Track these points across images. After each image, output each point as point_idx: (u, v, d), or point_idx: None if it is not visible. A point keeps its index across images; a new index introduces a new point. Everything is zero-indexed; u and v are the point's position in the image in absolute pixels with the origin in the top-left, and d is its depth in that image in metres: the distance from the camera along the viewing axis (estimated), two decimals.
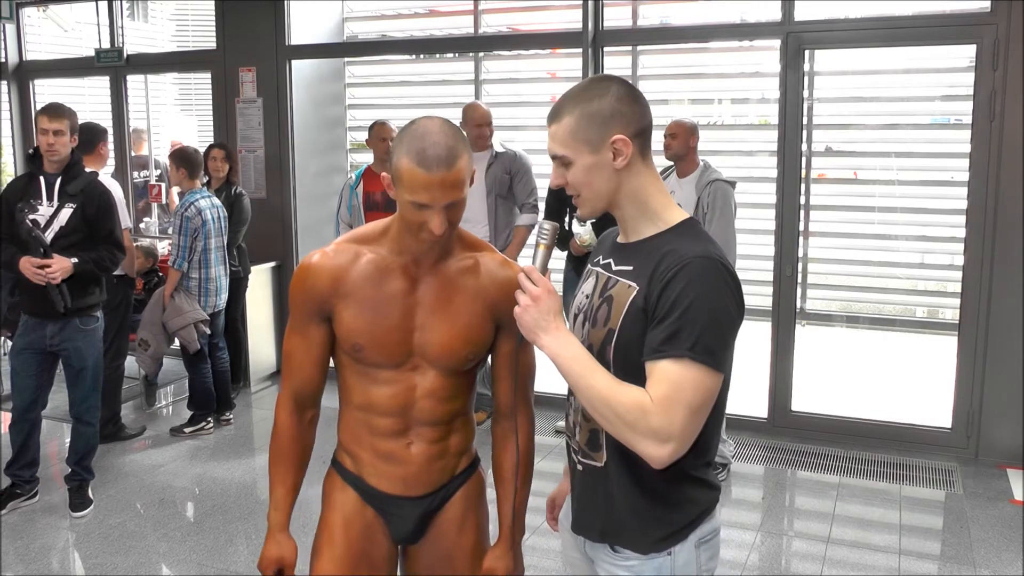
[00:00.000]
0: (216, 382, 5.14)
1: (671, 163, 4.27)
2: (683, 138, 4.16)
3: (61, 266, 3.68)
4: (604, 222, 3.64)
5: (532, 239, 5.07)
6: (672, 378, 1.46)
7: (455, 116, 4.89)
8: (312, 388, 1.85)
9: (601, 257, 1.71)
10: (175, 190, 6.95)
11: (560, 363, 1.54)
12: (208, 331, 4.96)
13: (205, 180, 5.19)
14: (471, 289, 1.75)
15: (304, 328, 1.80)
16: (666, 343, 1.47)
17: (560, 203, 4.59)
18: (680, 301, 1.46)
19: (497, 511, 1.93)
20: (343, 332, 1.76)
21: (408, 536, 1.89)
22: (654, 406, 1.45)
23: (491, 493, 1.97)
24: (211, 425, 5.08)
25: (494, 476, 1.95)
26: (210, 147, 5.40)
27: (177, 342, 5.00)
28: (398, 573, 1.97)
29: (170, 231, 5.20)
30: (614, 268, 1.64)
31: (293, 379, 1.84)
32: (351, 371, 1.81)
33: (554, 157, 1.62)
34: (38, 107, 6.46)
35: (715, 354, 1.47)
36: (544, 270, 1.62)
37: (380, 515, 1.87)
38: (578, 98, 1.59)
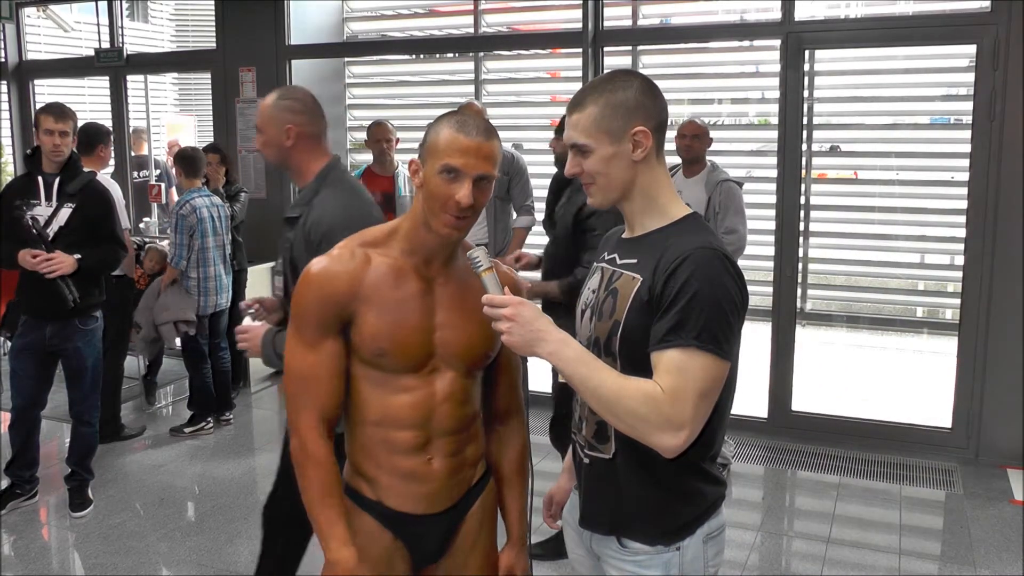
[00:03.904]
0: (216, 382, 5.14)
1: (677, 162, 4.28)
2: (704, 140, 4.21)
3: (64, 260, 3.68)
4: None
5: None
6: (680, 367, 1.47)
7: None
8: (339, 406, 1.74)
9: (606, 253, 1.73)
10: (174, 190, 6.97)
11: (562, 366, 1.54)
12: (191, 331, 4.95)
13: (204, 180, 5.20)
14: (481, 288, 1.71)
15: (319, 343, 1.69)
16: (672, 333, 1.48)
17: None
18: (684, 291, 1.48)
19: (503, 511, 1.93)
20: (365, 337, 1.70)
21: (431, 556, 1.85)
22: (665, 396, 1.47)
23: None
24: (211, 425, 5.08)
25: (496, 477, 1.94)
26: (203, 150, 5.40)
27: (178, 341, 5.02)
28: None
29: (168, 231, 5.21)
30: (619, 262, 1.66)
31: (319, 401, 1.70)
32: (367, 383, 1.74)
33: (573, 145, 1.62)
34: (38, 107, 6.47)
35: (720, 342, 1.49)
36: (500, 291, 1.61)
37: (400, 538, 1.80)
38: (602, 89, 1.61)
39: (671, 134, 4.16)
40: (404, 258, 1.72)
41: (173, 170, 5.13)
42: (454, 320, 1.74)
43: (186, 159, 4.93)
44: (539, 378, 5.11)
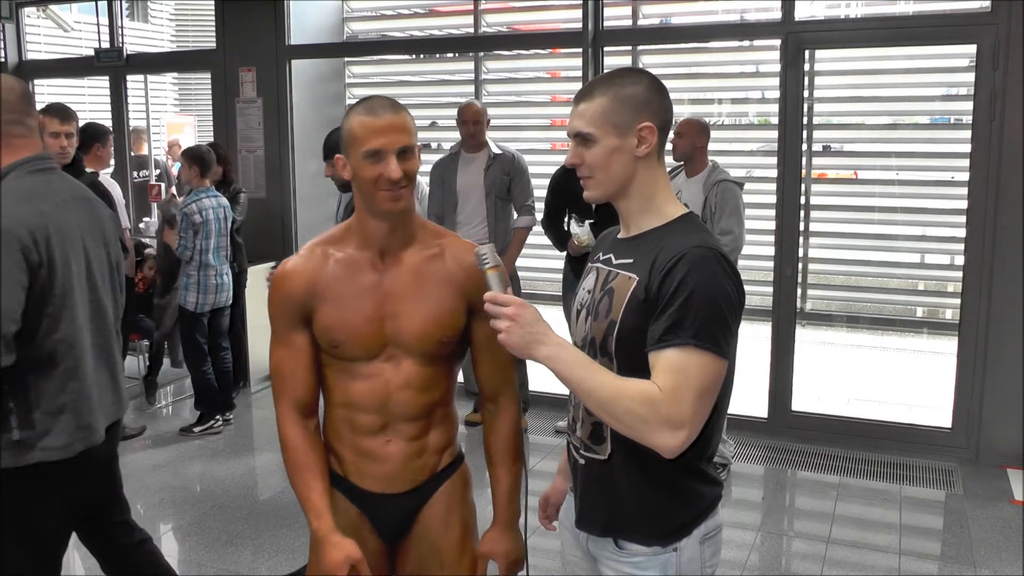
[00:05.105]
0: (218, 382, 5.14)
1: (680, 163, 4.27)
2: (689, 138, 4.14)
3: None
4: (602, 223, 3.65)
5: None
6: (678, 366, 1.47)
7: (454, 116, 4.88)
8: (310, 394, 1.87)
9: (601, 254, 1.73)
10: (174, 189, 6.95)
11: (559, 369, 1.54)
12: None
13: None
14: (439, 275, 1.82)
15: (288, 337, 1.84)
16: (669, 332, 1.48)
17: (559, 203, 4.58)
18: (681, 290, 1.48)
19: (492, 494, 1.95)
20: (320, 330, 1.82)
21: (395, 533, 1.93)
22: (663, 395, 1.46)
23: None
24: (220, 423, 5.07)
25: (486, 459, 1.96)
26: None
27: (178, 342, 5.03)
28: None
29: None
30: (615, 262, 1.65)
31: (288, 390, 1.86)
32: (331, 369, 1.86)
33: (576, 135, 1.61)
34: (38, 107, 6.47)
35: (718, 341, 1.48)
36: (504, 289, 1.61)
37: (364, 513, 1.90)
38: (612, 81, 1.61)
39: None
40: (359, 252, 1.83)
41: (176, 169, 5.12)
42: (406, 309, 1.81)
43: (200, 158, 4.93)
44: (539, 378, 5.12)
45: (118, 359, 2.46)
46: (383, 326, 1.81)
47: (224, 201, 5.03)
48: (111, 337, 2.41)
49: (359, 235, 1.82)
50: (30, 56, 7.09)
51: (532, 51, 5.83)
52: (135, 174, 6.94)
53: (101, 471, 2.45)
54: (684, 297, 1.48)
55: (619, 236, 1.70)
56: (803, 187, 4.88)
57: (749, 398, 4.80)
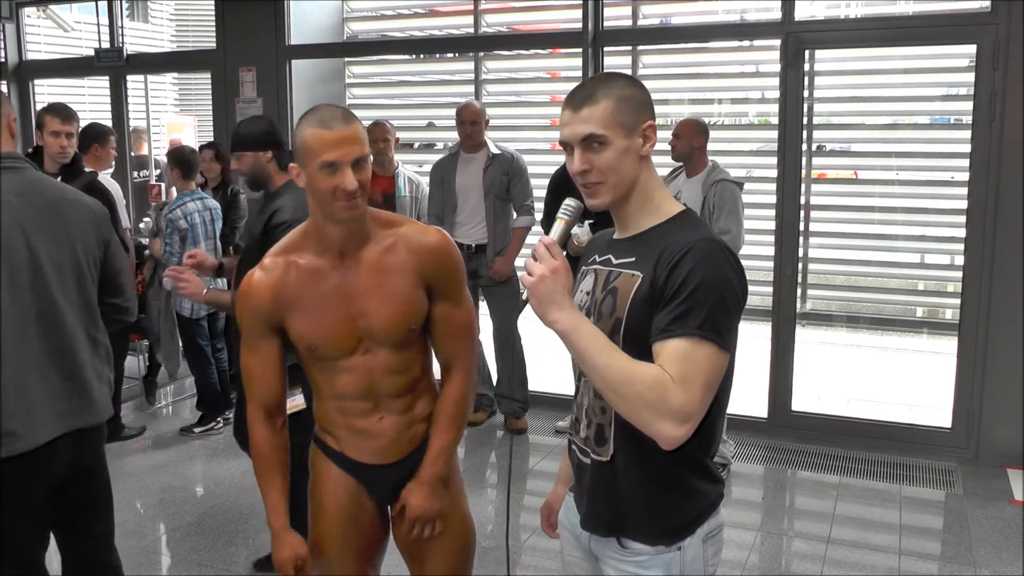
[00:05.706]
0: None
1: (680, 164, 4.27)
2: (687, 138, 4.14)
3: None
4: (601, 223, 3.66)
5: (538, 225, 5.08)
6: (685, 356, 1.47)
7: (454, 116, 4.89)
8: (277, 396, 2.00)
9: (597, 256, 1.72)
10: (173, 190, 6.97)
11: (575, 340, 1.49)
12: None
13: (202, 181, 5.19)
14: (396, 265, 1.88)
15: (257, 345, 1.95)
16: (675, 323, 1.48)
17: (559, 203, 4.57)
18: (688, 282, 1.49)
19: (426, 451, 2.03)
20: (296, 337, 1.92)
21: (390, 499, 2.06)
22: (673, 384, 1.45)
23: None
24: (221, 425, 5.07)
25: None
26: (200, 148, 5.41)
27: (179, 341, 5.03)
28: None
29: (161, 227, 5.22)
30: (615, 262, 1.65)
31: (258, 394, 1.98)
32: (315, 368, 1.97)
33: (586, 138, 1.58)
34: (38, 107, 6.47)
35: (722, 333, 1.49)
36: (563, 245, 1.58)
37: (360, 483, 2.04)
38: (608, 84, 1.61)
39: (665, 134, 4.17)
40: (319, 257, 1.90)
41: (167, 169, 5.12)
42: (374, 305, 1.88)
43: (182, 160, 4.91)
44: (539, 378, 5.12)
45: (82, 362, 2.27)
46: (355, 325, 1.90)
47: (212, 203, 5.01)
48: (72, 340, 2.25)
49: (317, 240, 1.89)
50: (30, 56, 7.09)
51: (532, 51, 5.82)
52: (135, 174, 6.94)
53: (65, 479, 2.31)
54: (691, 289, 1.48)
55: (615, 237, 1.70)
56: (803, 187, 4.88)
57: (749, 398, 4.80)
